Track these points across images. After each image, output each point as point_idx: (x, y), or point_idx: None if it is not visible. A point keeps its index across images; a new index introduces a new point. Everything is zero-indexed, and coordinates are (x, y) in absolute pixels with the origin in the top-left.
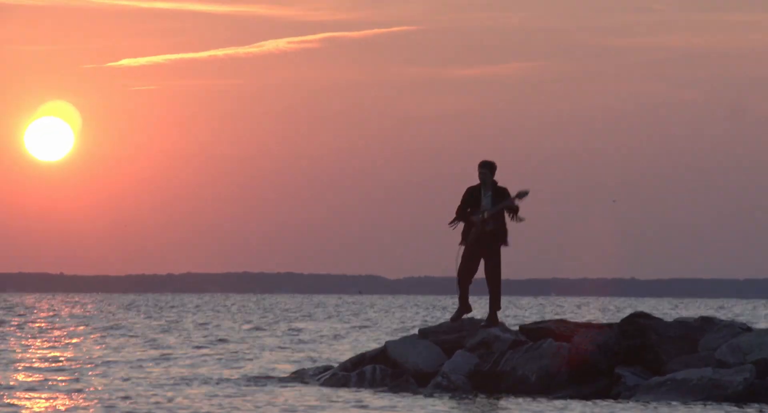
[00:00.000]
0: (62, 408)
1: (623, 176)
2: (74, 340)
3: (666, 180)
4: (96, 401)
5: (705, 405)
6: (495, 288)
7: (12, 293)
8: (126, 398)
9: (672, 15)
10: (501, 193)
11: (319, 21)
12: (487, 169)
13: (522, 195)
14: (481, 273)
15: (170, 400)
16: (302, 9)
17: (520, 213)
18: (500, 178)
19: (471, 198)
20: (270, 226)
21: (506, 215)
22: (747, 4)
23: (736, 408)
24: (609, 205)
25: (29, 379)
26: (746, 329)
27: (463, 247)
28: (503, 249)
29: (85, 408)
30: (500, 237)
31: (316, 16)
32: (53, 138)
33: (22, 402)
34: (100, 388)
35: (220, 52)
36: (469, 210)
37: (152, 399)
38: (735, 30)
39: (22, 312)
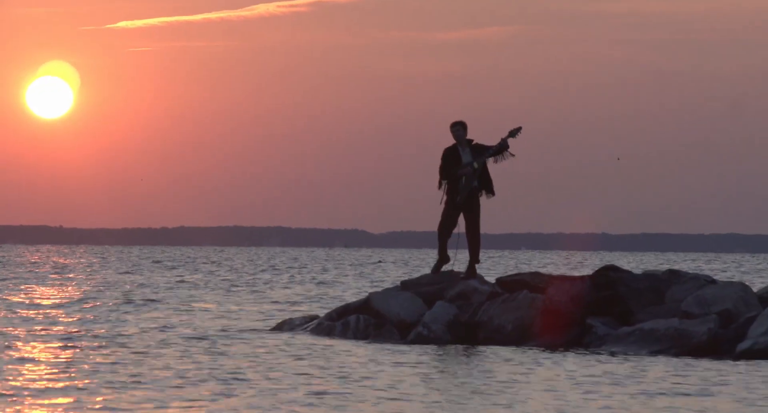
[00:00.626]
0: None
1: (595, 133)
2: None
3: (633, 136)
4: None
5: (669, 355)
6: (475, 242)
7: (12, 245)
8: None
9: None
10: (479, 148)
11: None
12: (461, 127)
13: (515, 132)
14: (460, 227)
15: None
16: None
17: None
18: (478, 134)
19: (451, 157)
20: (260, 182)
21: (492, 162)
22: None
23: (699, 359)
24: (583, 163)
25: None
26: (711, 281)
27: (444, 205)
28: (488, 201)
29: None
30: (487, 188)
31: None
32: (53, 96)
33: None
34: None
35: (213, 16)
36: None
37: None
38: None
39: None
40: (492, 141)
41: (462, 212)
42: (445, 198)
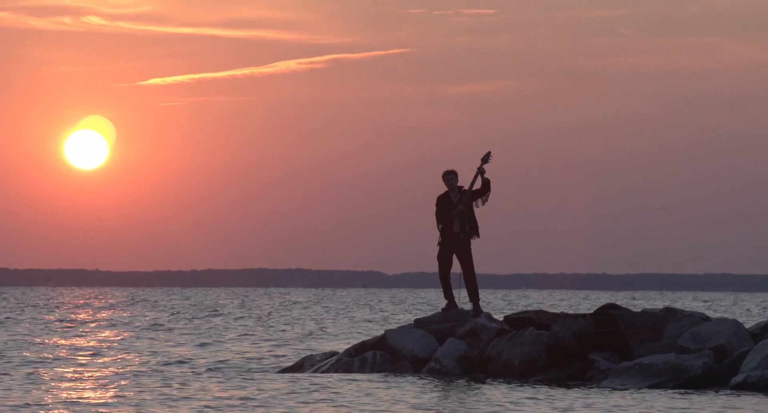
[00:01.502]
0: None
1: (593, 181)
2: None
3: (631, 185)
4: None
5: (667, 388)
6: (472, 282)
7: (53, 287)
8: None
9: (636, 38)
10: (468, 191)
11: (325, 44)
12: (453, 175)
13: (486, 158)
14: (456, 267)
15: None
16: (311, 33)
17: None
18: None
19: (445, 203)
20: (282, 227)
21: (474, 207)
22: (703, 28)
23: (695, 391)
24: (581, 208)
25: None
26: (705, 318)
27: (438, 248)
28: (477, 243)
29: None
30: (472, 232)
31: (323, 40)
32: (90, 148)
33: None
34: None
35: (238, 72)
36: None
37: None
38: (694, 52)
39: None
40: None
41: (452, 252)
42: (439, 241)
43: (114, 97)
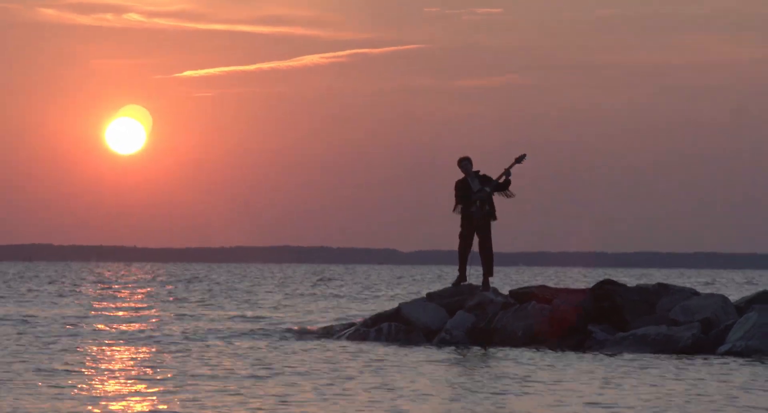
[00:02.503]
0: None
1: (593, 165)
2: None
3: (627, 168)
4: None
5: (659, 356)
6: (488, 260)
7: (96, 262)
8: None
9: (632, 37)
10: (486, 178)
11: (347, 40)
12: (468, 162)
13: (521, 159)
14: (475, 246)
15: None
16: (333, 30)
17: (512, 189)
18: (491, 169)
19: (464, 187)
20: (305, 207)
21: (503, 196)
22: (693, 28)
23: (685, 359)
24: (583, 191)
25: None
26: (695, 293)
27: (461, 227)
28: (494, 224)
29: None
30: (492, 215)
31: (345, 36)
32: (129, 135)
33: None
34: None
35: (265, 65)
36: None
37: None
38: (684, 49)
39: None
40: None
41: (476, 233)
42: (461, 222)
43: (151, 88)
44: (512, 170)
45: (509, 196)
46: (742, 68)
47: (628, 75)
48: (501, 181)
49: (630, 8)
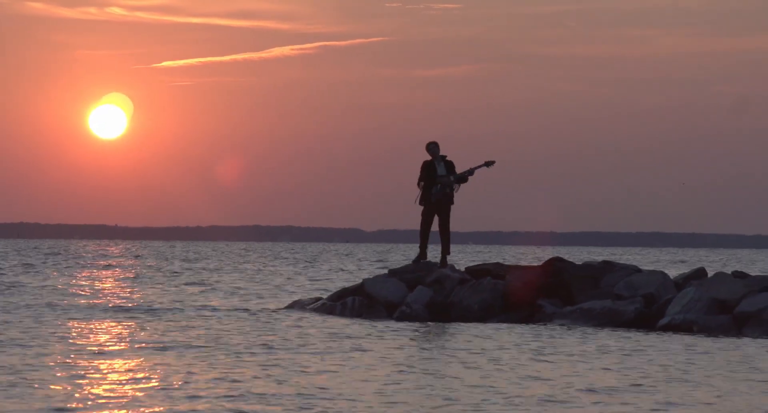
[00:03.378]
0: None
1: (544, 149)
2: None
3: (577, 153)
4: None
5: (604, 329)
6: (446, 239)
7: (78, 240)
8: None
9: (581, 30)
10: (450, 164)
11: (315, 33)
12: (434, 145)
13: (490, 163)
14: (434, 226)
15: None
16: (302, 23)
17: (470, 184)
18: (449, 153)
19: (429, 169)
20: (275, 188)
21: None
22: (637, 22)
23: (627, 332)
24: (535, 173)
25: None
26: (637, 270)
27: (422, 208)
28: (464, 203)
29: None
30: (451, 199)
31: (313, 29)
32: (111, 121)
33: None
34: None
35: (239, 57)
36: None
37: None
38: (628, 42)
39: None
40: (460, 161)
41: (436, 214)
42: (420, 201)
43: (132, 77)
44: (478, 171)
45: (456, 189)
46: (683, 60)
47: (573, 65)
48: (464, 174)
49: (576, 4)
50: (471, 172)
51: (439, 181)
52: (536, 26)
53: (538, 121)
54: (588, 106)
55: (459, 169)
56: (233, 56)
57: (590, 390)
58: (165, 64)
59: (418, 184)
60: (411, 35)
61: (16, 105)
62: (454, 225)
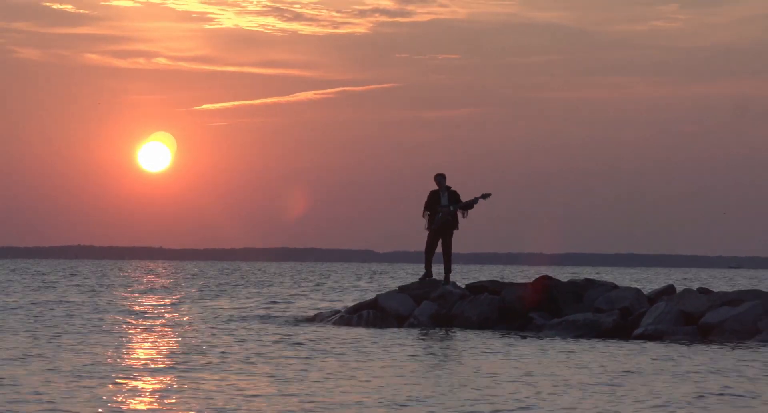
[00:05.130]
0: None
1: (538, 182)
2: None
3: (565, 184)
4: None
5: (587, 338)
6: (448, 259)
7: (128, 260)
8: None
9: (565, 78)
10: (454, 194)
11: (335, 79)
12: (442, 178)
13: (486, 196)
14: (438, 248)
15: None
16: (324, 71)
17: (473, 212)
18: (453, 183)
19: (434, 197)
20: (300, 214)
21: (459, 213)
22: (616, 71)
23: (607, 341)
24: (531, 205)
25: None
26: (615, 287)
27: (428, 232)
28: (456, 233)
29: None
30: (454, 225)
31: (333, 77)
32: (157, 156)
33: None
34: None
35: (268, 100)
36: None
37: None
38: (609, 88)
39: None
40: (463, 189)
41: (439, 238)
42: (427, 226)
43: (175, 119)
44: (478, 200)
45: (465, 216)
46: (653, 103)
47: (559, 107)
48: (467, 204)
49: (561, 55)
50: (470, 204)
51: (440, 210)
52: (527, 74)
53: (529, 156)
54: (571, 143)
55: (463, 198)
56: (263, 100)
57: (570, 386)
58: (204, 106)
59: (423, 215)
60: (417, 82)
61: (77, 142)
62: (456, 248)
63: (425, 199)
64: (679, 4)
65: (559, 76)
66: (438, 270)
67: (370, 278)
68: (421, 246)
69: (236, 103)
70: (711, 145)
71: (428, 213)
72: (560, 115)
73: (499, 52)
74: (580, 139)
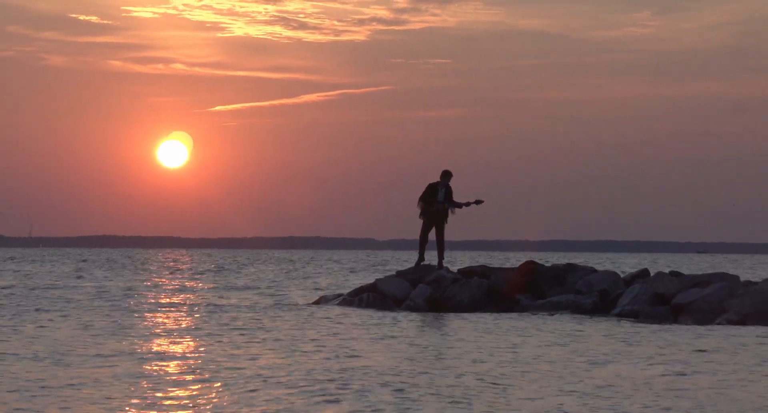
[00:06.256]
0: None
1: (524, 176)
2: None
3: (549, 177)
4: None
5: (569, 315)
6: (441, 247)
7: (144, 249)
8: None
9: (549, 80)
10: (450, 191)
11: (336, 83)
12: (447, 175)
13: (479, 202)
14: (432, 236)
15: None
16: (326, 75)
17: (460, 211)
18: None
19: (431, 190)
20: (305, 205)
21: (450, 211)
22: (595, 72)
23: (587, 317)
24: (517, 196)
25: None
26: (593, 271)
27: (422, 222)
28: (448, 222)
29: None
30: (444, 218)
31: (335, 80)
32: (175, 153)
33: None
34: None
35: (275, 102)
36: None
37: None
38: (587, 88)
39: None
40: (456, 185)
41: (433, 226)
42: (420, 215)
43: (191, 119)
44: (471, 205)
45: (453, 213)
46: (630, 102)
47: (543, 107)
48: (459, 205)
49: (545, 59)
50: (461, 206)
51: (435, 204)
52: (513, 76)
53: (515, 152)
54: (554, 139)
55: (456, 197)
56: (271, 102)
57: (547, 362)
58: (217, 108)
59: (418, 203)
60: (412, 85)
61: (101, 141)
62: (449, 235)
63: (423, 189)
64: (652, 11)
65: (543, 79)
66: (431, 257)
67: (370, 263)
68: (418, 235)
69: (247, 104)
70: (681, 141)
71: (422, 204)
72: (544, 114)
73: (487, 57)
74: (562, 136)
